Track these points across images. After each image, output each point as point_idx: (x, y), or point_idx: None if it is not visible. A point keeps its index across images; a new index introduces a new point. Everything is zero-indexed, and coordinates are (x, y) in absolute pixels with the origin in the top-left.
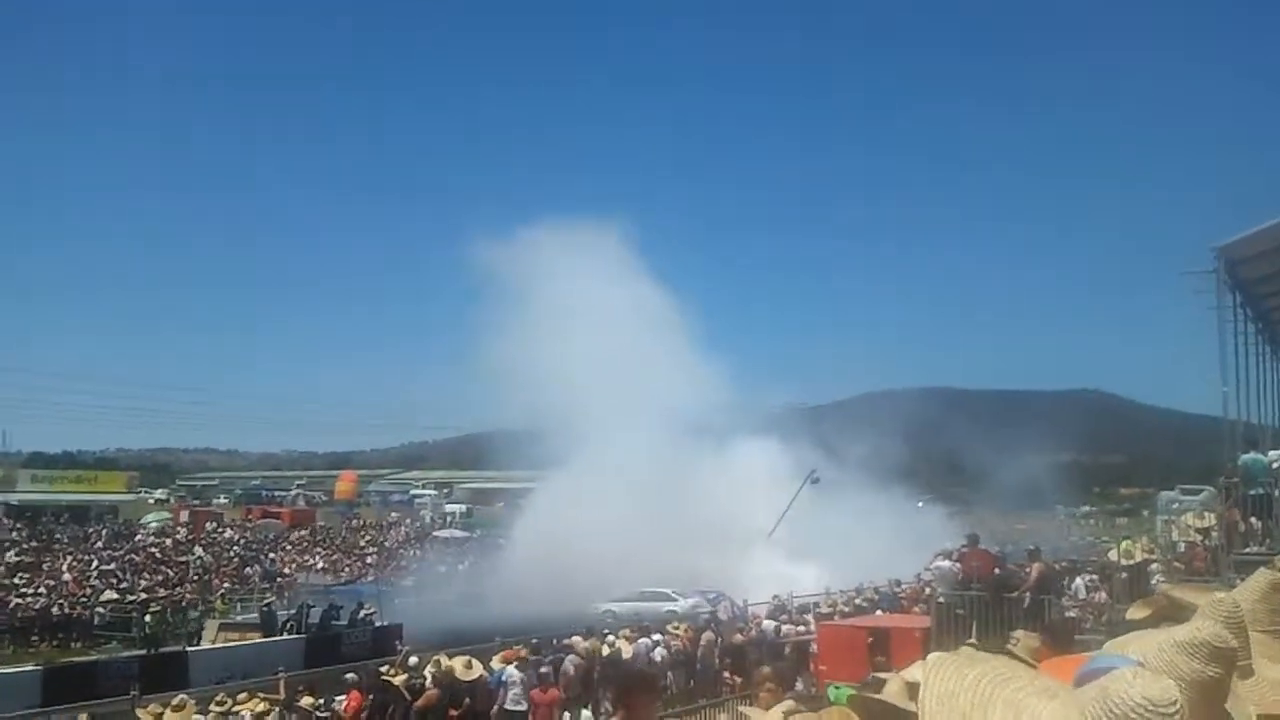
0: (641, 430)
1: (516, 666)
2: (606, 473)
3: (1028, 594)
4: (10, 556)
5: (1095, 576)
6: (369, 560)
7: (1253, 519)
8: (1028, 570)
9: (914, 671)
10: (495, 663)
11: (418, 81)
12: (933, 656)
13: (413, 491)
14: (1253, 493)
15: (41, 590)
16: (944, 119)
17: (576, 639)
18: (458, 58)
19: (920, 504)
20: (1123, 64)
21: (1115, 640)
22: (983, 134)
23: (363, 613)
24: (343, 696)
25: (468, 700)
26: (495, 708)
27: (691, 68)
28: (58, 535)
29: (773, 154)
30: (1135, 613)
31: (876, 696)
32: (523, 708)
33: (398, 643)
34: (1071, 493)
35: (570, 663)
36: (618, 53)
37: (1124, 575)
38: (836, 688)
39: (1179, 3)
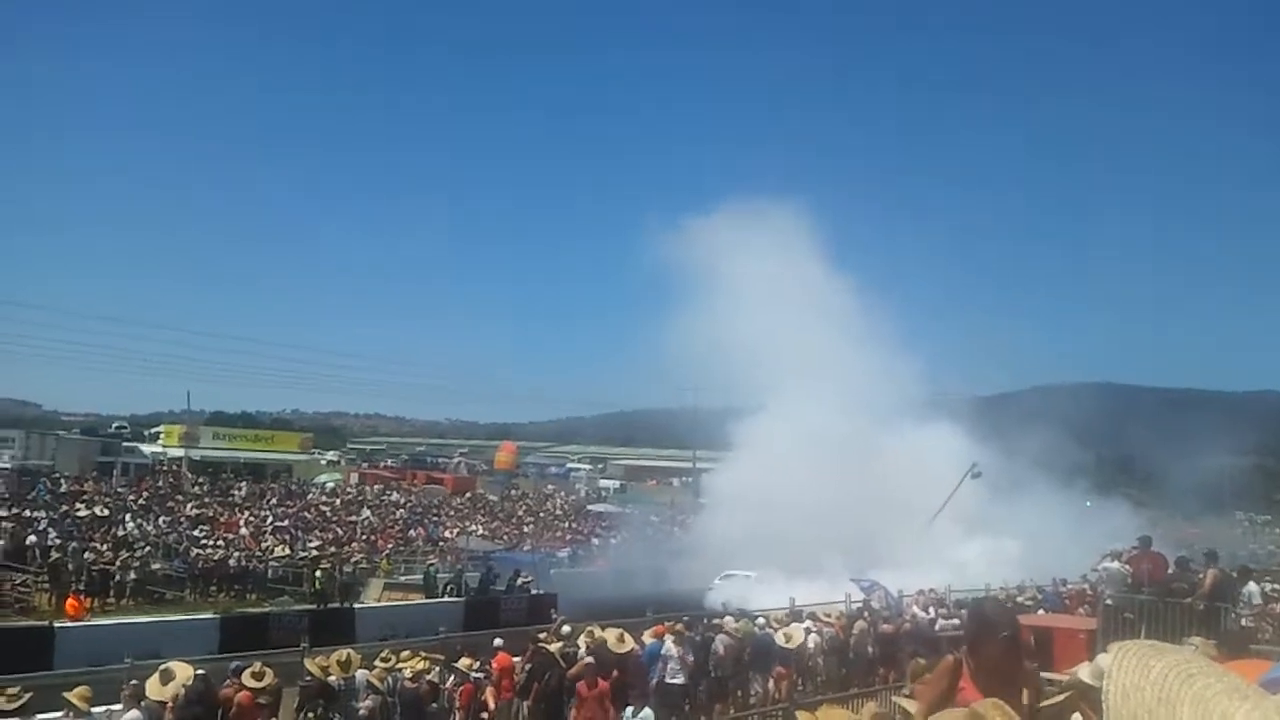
0: (813, 411)
1: (674, 640)
2: (781, 453)
3: (1202, 600)
4: (192, 509)
5: (1277, 586)
6: (526, 529)
7: None
8: (1202, 576)
9: (1075, 671)
10: (647, 637)
11: (594, 49)
12: (1118, 647)
13: (569, 465)
14: None
15: (220, 543)
16: (1123, 113)
17: (728, 619)
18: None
19: (1089, 504)
20: None
21: None
22: (1160, 126)
23: (520, 580)
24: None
25: (616, 672)
26: (654, 680)
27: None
28: (235, 491)
29: (945, 147)
30: None
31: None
32: (680, 681)
33: (553, 611)
34: (1252, 499)
35: (720, 643)
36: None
37: None
38: None
39: None
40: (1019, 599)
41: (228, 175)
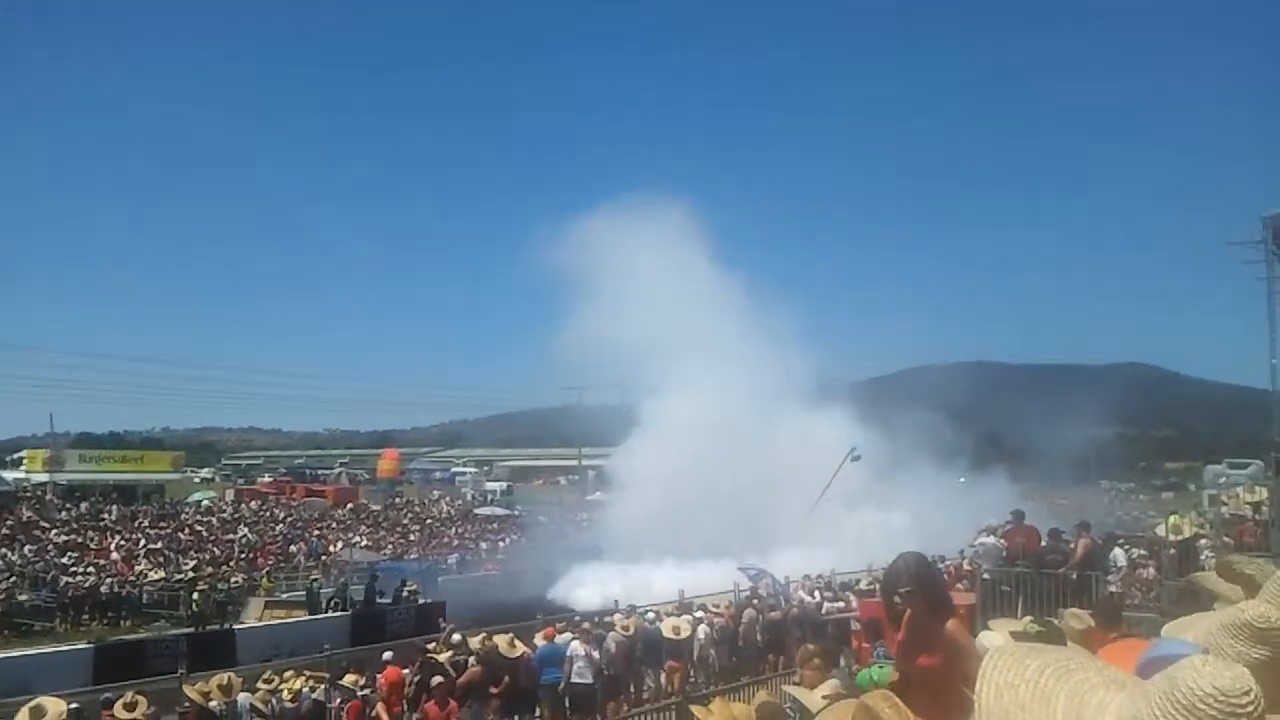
0: (704, 401)
1: (580, 640)
2: (676, 442)
3: (1074, 570)
4: (59, 536)
5: (1143, 552)
6: (412, 538)
7: None
8: (1073, 546)
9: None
10: (539, 639)
11: (466, 55)
12: (993, 648)
13: (454, 469)
14: None
15: (90, 569)
16: (989, 92)
17: (618, 616)
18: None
19: (962, 480)
20: (1168, 34)
21: (1175, 623)
22: (1027, 105)
23: (406, 590)
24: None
25: (506, 678)
26: (562, 682)
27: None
28: (105, 514)
29: (819, 132)
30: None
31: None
32: (588, 680)
33: (441, 620)
34: (1116, 468)
35: (612, 640)
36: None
37: (1172, 551)
38: (880, 666)
39: None
40: None
41: (82, 186)
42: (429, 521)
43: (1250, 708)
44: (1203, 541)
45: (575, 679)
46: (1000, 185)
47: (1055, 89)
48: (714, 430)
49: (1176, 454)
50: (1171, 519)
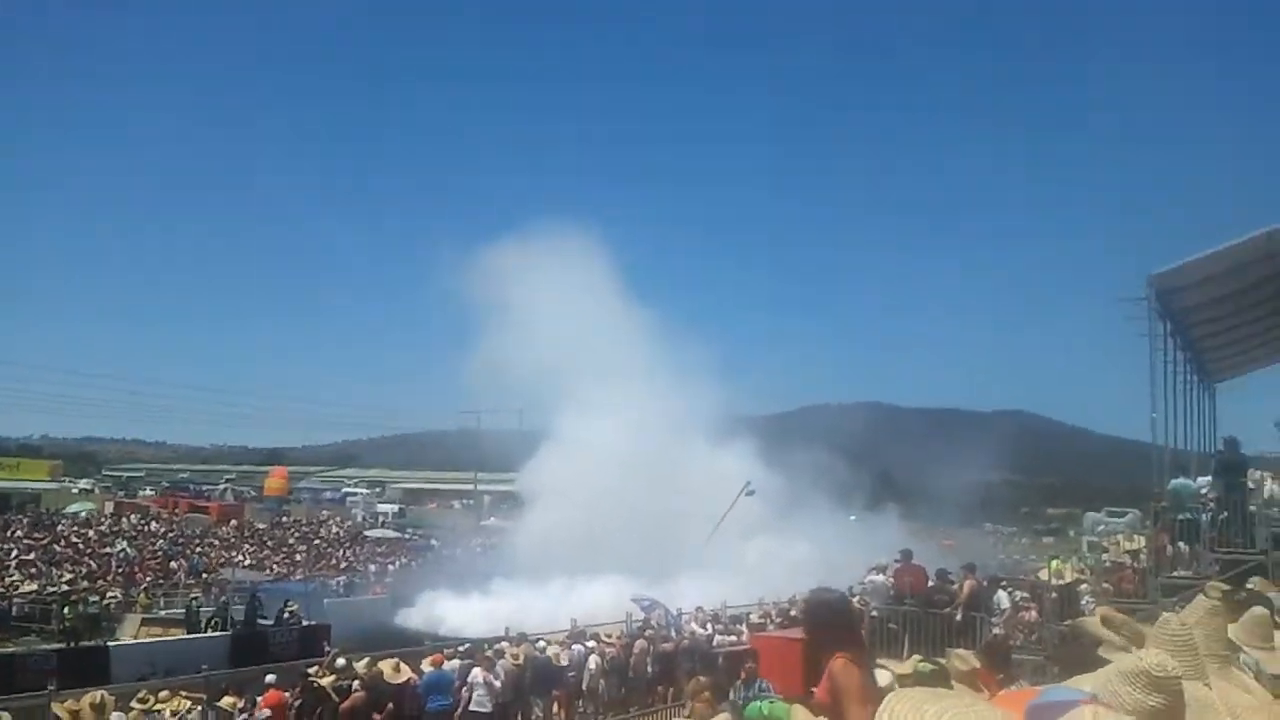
0: (606, 427)
1: (482, 668)
2: (578, 466)
3: (959, 610)
4: None
5: (1026, 595)
6: (298, 558)
7: (1180, 543)
8: (958, 587)
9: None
10: (426, 665)
11: (392, 76)
12: (890, 694)
13: (345, 490)
14: (1180, 517)
15: None
16: (883, 129)
17: (505, 644)
18: (447, 55)
19: (853, 518)
20: (1066, 79)
21: (1078, 677)
22: (928, 145)
23: (287, 611)
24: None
25: (390, 705)
26: (460, 709)
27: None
28: None
29: (712, 162)
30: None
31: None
32: (488, 709)
33: (325, 643)
34: (1000, 511)
35: (501, 668)
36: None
37: (1054, 595)
38: (770, 702)
39: (1120, 31)
40: (790, 611)
41: None
42: (316, 542)
43: None
44: (1083, 587)
45: (474, 707)
46: (900, 228)
47: (959, 132)
48: (620, 455)
49: (1058, 500)
50: (1054, 564)
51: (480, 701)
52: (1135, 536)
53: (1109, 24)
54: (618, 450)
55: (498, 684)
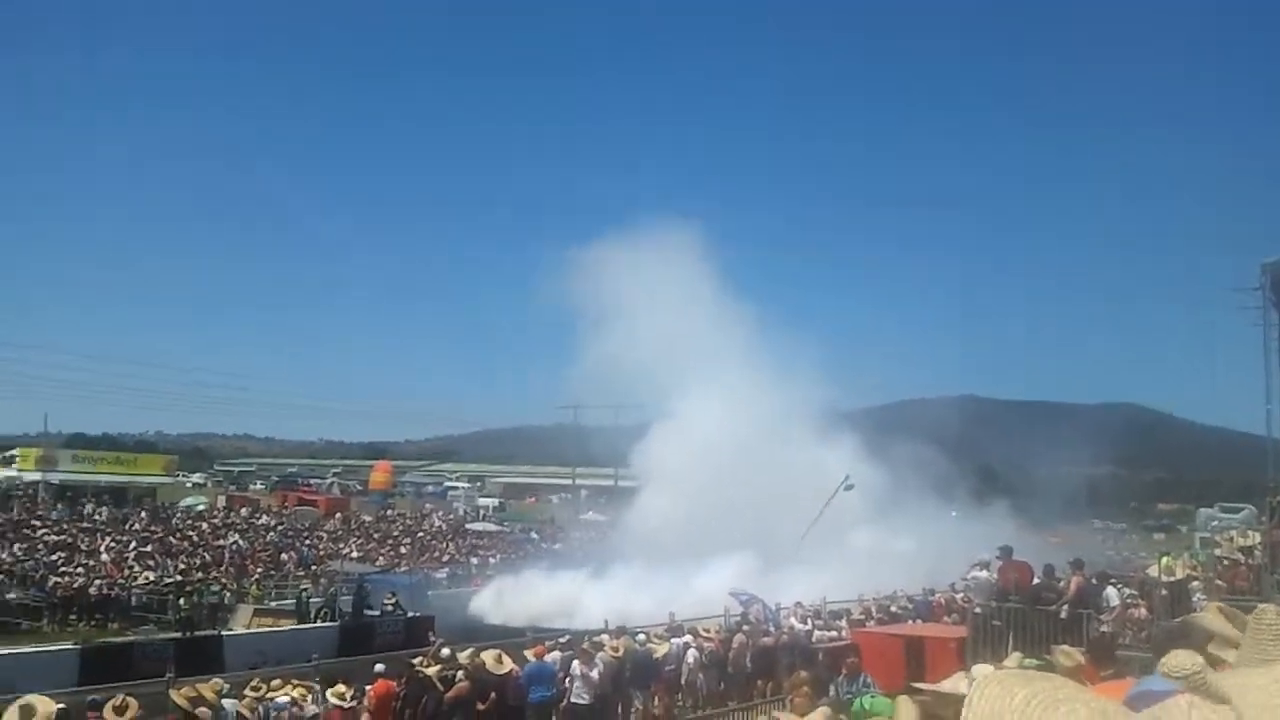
0: (711, 422)
1: (581, 660)
2: (688, 452)
3: (1065, 607)
4: (50, 535)
5: (1134, 592)
6: (403, 550)
7: None
8: (1065, 584)
9: (953, 682)
10: (529, 656)
11: (471, 71)
12: (981, 675)
13: (446, 484)
14: None
15: (79, 570)
16: (985, 127)
17: (605, 637)
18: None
19: (954, 513)
20: (1172, 76)
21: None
22: (1027, 143)
23: (389, 602)
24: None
25: (493, 695)
26: (564, 701)
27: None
28: (96, 515)
29: (826, 165)
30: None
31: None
32: (586, 700)
33: (430, 634)
34: (1108, 507)
35: (600, 660)
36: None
37: (1164, 592)
38: (872, 698)
39: (1227, 18)
40: (891, 608)
41: (80, 184)
42: (420, 535)
43: None
44: (1195, 583)
45: (574, 699)
46: (1000, 222)
47: (1054, 126)
48: (723, 446)
49: (1168, 496)
50: (1164, 560)
51: (579, 693)
52: (1250, 532)
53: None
54: (720, 441)
55: (595, 676)
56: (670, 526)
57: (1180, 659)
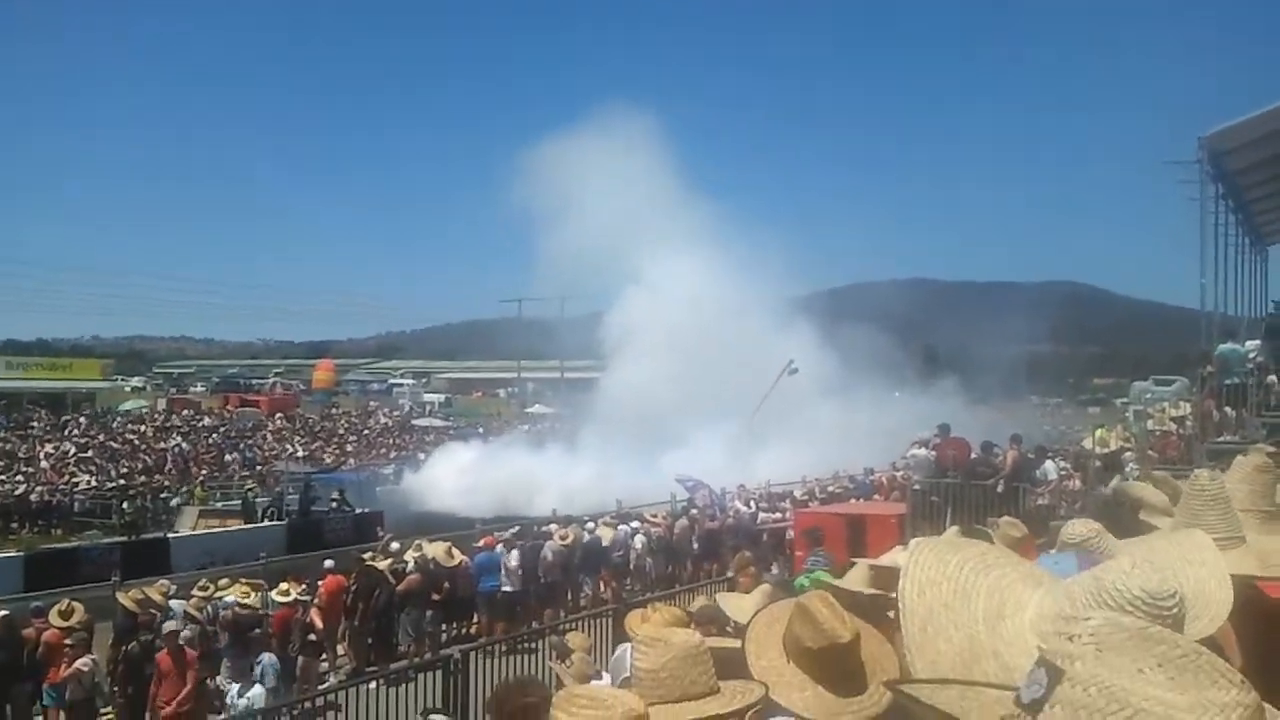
0: (670, 305)
1: (510, 550)
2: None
3: (1001, 481)
4: None
5: (1068, 465)
6: (349, 448)
7: (1227, 408)
8: (1002, 458)
9: (892, 556)
10: (482, 546)
11: None
12: (914, 543)
13: (391, 381)
14: (1228, 382)
15: (19, 477)
16: (931, 10)
17: (554, 526)
18: None
19: (896, 394)
20: None
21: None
22: (964, 21)
23: (336, 499)
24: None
25: (447, 585)
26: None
27: None
28: (33, 422)
29: (761, 44)
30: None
31: (844, 588)
32: (514, 588)
33: (379, 529)
34: (1045, 383)
35: (549, 549)
36: None
37: (1098, 463)
38: (809, 573)
39: None
40: (832, 488)
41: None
42: (366, 432)
43: (1174, 609)
44: (1128, 454)
45: (506, 587)
46: (939, 102)
47: (996, 5)
48: (691, 324)
49: (1104, 371)
50: (1098, 432)
51: (506, 581)
52: (1181, 404)
53: None
54: (687, 318)
55: (514, 564)
56: (648, 397)
57: (1076, 527)
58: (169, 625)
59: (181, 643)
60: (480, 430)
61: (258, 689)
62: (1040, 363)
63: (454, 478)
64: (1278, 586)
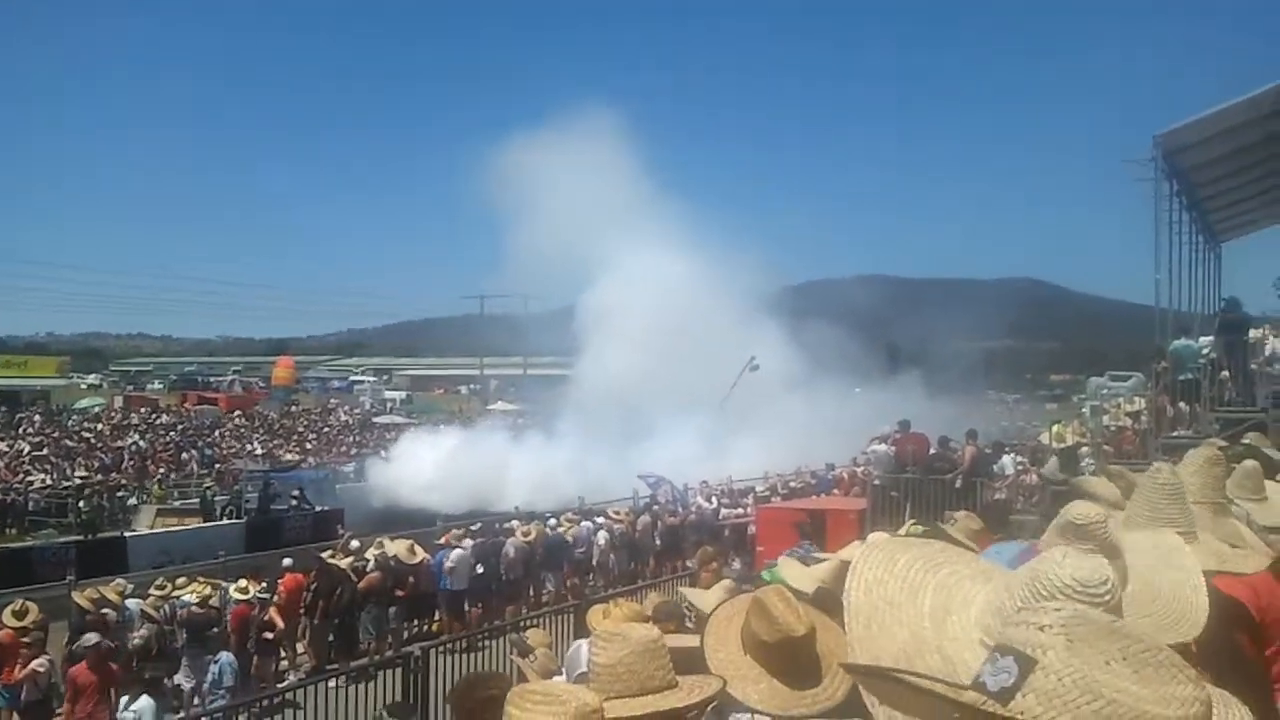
0: (636, 302)
1: (463, 547)
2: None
3: (960, 476)
4: None
5: (1025, 460)
6: (308, 446)
7: (1181, 404)
8: (960, 454)
9: (850, 551)
10: (445, 543)
11: None
12: (869, 540)
13: (352, 378)
14: (1182, 378)
15: None
16: (888, 4)
17: (516, 523)
18: None
19: (857, 390)
20: None
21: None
22: (924, 18)
23: (299, 496)
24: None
25: (411, 580)
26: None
27: None
28: None
29: (721, 37)
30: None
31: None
32: (461, 587)
33: (339, 527)
34: (1004, 379)
35: (511, 545)
36: None
37: (1055, 458)
38: (772, 566)
39: None
40: (793, 484)
41: None
42: (326, 430)
43: (1107, 595)
44: (1084, 449)
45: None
46: (902, 100)
47: (956, 3)
48: (650, 325)
49: (1061, 366)
50: (1055, 428)
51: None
52: (1137, 399)
53: None
54: (661, 303)
55: (469, 562)
56: (621, 387)
57: (1083, 508)
58: (89, 637)
59: (139, 643)
60: (442, 428)
61: (145, 701)
62: (999, 358)
63: (423, 472)
64: (1231, 582)
